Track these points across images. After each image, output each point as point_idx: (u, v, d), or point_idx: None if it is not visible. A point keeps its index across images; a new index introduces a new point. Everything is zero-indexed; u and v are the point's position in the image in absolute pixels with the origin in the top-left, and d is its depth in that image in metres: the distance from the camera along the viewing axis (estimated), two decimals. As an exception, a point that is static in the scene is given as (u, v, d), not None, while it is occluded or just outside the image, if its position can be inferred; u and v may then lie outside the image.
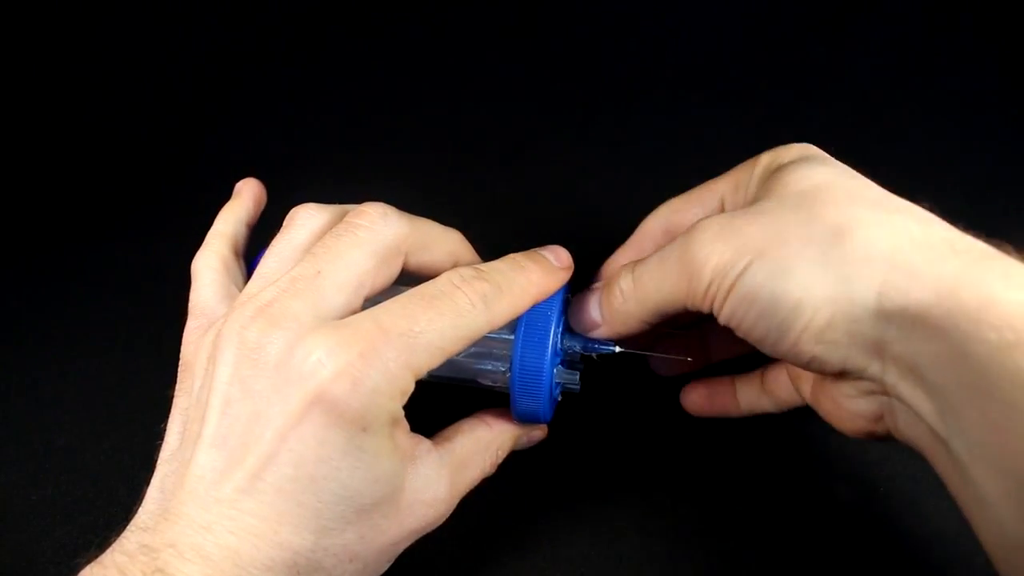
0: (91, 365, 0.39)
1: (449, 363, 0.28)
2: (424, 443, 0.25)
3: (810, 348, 0.22)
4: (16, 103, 0.54)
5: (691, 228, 0.25)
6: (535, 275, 0.26)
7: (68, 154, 0.53)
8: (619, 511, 0.31)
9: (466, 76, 0.56)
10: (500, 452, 0.28)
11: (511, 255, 0.27)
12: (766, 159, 0.27)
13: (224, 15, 0.55)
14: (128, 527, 0.23)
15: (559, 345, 0.28)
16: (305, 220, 0.27)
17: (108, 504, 0.33)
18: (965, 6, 0.53)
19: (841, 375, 0.24)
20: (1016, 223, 0.43)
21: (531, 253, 0.28)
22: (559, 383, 0.29)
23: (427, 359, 0.23)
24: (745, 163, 0.28)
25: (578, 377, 0.28)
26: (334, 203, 0.27)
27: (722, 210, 0.29)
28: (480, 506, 0.27)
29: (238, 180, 0.32)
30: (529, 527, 0.31)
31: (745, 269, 0.23)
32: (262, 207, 0.32)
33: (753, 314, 0.23)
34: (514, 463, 0.29)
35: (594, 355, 0.29)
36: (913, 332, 0.21)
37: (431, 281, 0.25)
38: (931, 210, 0.23)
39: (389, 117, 0.54)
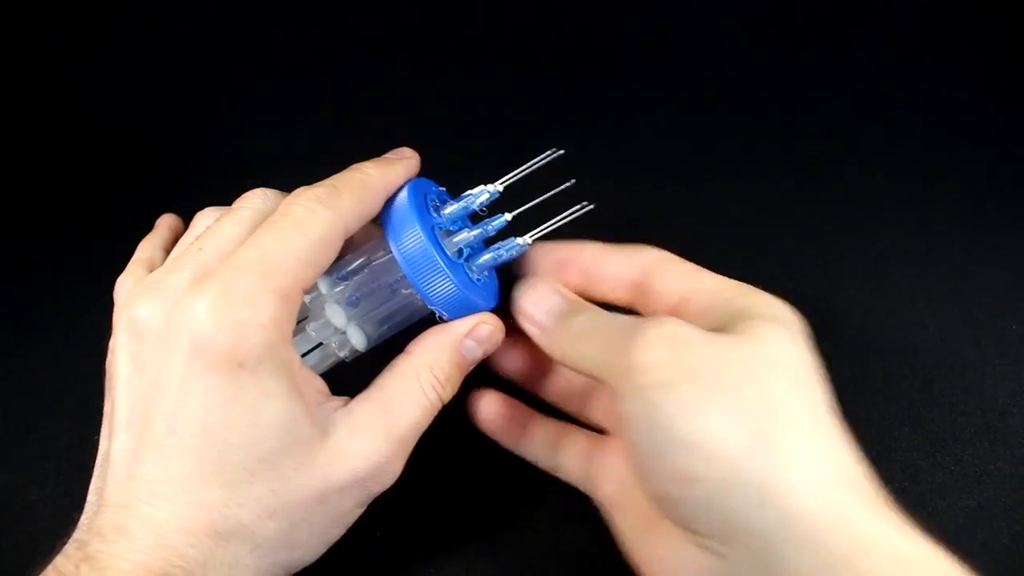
0: (91, 365, 0.39)
1: (373, 315, 0.28)
2: (337, 399, 0.25)
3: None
4: (15, 105, 0.54)
5: (651, 321, 0.23)
6: (372, 168, 0.27)
7: (69, 155, 0.53)
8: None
9: (466, 75, 0.56)
10: (437, 372, 0.26)
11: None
12: (750, 300, 0.24)
13: (223, 17, 0.55)
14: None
15: (436, 219, 0.27)
16: (204, 220, 0.29)
17: (108, 504, 0.33)
18: (965, 6, 0.53)
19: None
20: (1016, 223, 0.43)
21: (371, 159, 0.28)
22: (464, 256, 0.27)
23: (290, 277, 0.23)
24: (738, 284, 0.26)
25: (475, 236, 0.27)
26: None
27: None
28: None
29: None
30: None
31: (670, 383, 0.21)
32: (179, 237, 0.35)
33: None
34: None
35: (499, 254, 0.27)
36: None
37: (274, 212, 0.25)
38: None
39: (388, 117, 0.54)
